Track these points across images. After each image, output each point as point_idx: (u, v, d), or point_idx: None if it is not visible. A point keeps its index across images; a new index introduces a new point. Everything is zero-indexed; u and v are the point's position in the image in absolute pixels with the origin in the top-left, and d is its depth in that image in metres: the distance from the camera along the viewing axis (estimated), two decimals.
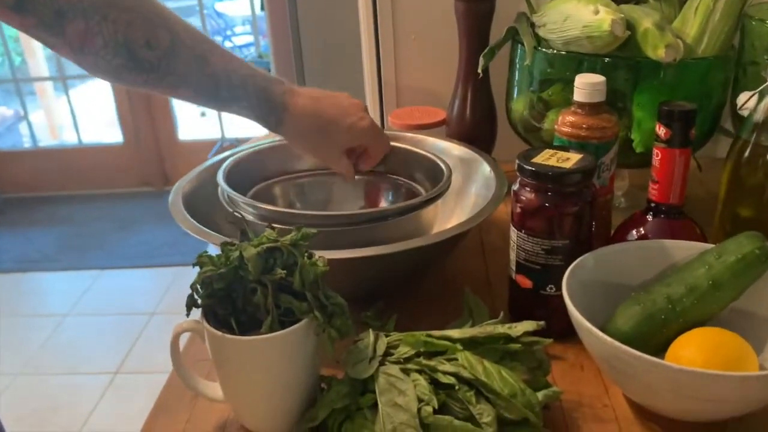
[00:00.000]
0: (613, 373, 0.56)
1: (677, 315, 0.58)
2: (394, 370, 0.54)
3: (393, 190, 0.86)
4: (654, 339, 0.58)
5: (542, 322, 0.58)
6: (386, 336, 0.58)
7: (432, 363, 0.54)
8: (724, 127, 0.86)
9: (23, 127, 3.43)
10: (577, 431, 0.56)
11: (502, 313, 0.64)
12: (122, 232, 2.81)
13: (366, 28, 1.08)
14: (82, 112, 3.25)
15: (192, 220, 0.70)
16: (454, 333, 0.57)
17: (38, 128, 3.38)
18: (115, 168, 3.14)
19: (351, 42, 1.28)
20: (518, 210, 0.63)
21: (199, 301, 0.53)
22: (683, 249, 0.63)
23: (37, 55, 3.30)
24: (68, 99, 3.12)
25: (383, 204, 0.86)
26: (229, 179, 0.76)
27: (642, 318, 0.58)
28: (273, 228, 0.55)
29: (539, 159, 0.62)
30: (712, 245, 0.61)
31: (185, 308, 0.53)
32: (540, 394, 0.54)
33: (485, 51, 0.89)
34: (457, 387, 0.52)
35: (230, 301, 0.53)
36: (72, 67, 3.15)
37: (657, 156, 0.65)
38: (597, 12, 0.74)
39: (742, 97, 0.71)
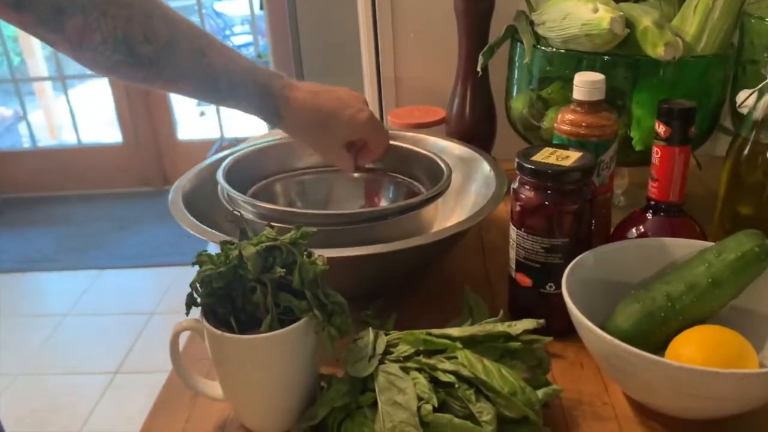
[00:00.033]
0: (612, 371, 0.56)
1: (677, 313, 0.58)
2: (394, 368, 0.54)
3: (393, 189, 0.86)
4: (654, 337, 0.58)
5: (542, 321, 0.58)
6: (386, 334, 0.58)
7: (432, 361, 0.54)
8: (723, 125, 0.86)
9: (22, 127, 3.43)
10: (576, 429, 0.56)
11: (501, 312, 0.64)
12: (122, 232, 2.81)
13: (365, 26, 1.08)
14: (81, 112, 3.25)
15: (192, 218, 0.70)
16: (454, 331, 0.57)
17: (37, 128, 3.38)
18: (114, 168, 3.14)
19: (350, 41, 1.28)
20: (518, 208, 0.63)
21: (199, 300, 0.53)
22: (683, 247, 0.63)
23: (36, 55, 3.30)
24: (67, 99, 3.12)
25: (383, 202, 0.86)
26: (229, 178, 0.76)
27: (642, 316, 0.58)
28: (272, 227, 0.55)
29: (539, 157, 0.62)
30: (712, 243, 0.61)
31: (185, 307, 0.53)
32: (540, 392, 0.54)
33: (484, 49, 0.89)
34: (456, 385, 0.52)
35: (230, 300, 0.53)
36: (71, 67, 3.16)
37: (656, 154, 0.65)
38: (596, 10, 0.74)
39: (741, 95, 0.71)
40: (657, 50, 0.72)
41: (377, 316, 0.69)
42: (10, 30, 3.09)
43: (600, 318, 0.58)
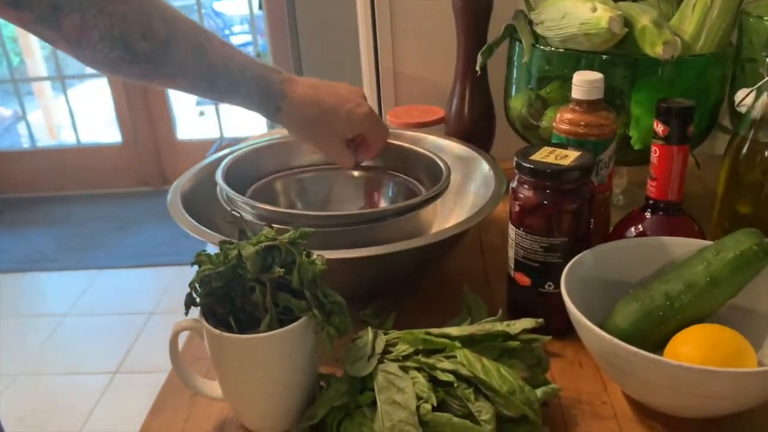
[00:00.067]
0: (611, 370, 0.56)
1: (675, 312, 0.58)
2: (393, 367, 0.54)
3: (393, 188, 0.86)
4: (652, 336, 0.58)
5: (541, 320, 0.58)
6: (385, 334, 0.58)
7: (431, 361, 0.54)
8: (722, 123, 0.86)
9: (21, 128, 3.43)
10: (575, 428, 0.56)
11: (500, 311, 0.64)
12: (121, 232, 2.81)
13: (364, 26, 1.08)
14: (80, 112, 3.25)
15: (190, 218, 0.70)
16: (453, 331, 0.57)
17: (36, 128, 3.37)
18: (113, 168, 3.14)
19: (349, 40, 1.28)
20: (516, 207, 0.63)
21: (198, 300, 0.53)
22: (681, 246, 0.63)
23: (35, 55, 3.30)
24: (66, 99, 3.12)
25: (383, 201, 0.86)
26: (229, 177, 0.76)
27: (640, 315, 0.58)
28: (271, 227, 0.55)
29: (537, 156, 0.62)
30: (711, 242, 0.61)
31: (184, 307, 0.53)
32: (539, 391, 0.54)
33: (483, 48, 0.89)
34: (455, 384, 0.52)
35: (229, 300, 0.53)
36: (70, 67, 3.16)
37: (655, 153, 0.65)
38: (595, 9, 0.74)
39: (740, 94, 0.71)
40: (655, 49, 0.72)
41: (376, 316, 0.69)
42: (10, 30, 3.09)
43: (599, 317, 0.58)
